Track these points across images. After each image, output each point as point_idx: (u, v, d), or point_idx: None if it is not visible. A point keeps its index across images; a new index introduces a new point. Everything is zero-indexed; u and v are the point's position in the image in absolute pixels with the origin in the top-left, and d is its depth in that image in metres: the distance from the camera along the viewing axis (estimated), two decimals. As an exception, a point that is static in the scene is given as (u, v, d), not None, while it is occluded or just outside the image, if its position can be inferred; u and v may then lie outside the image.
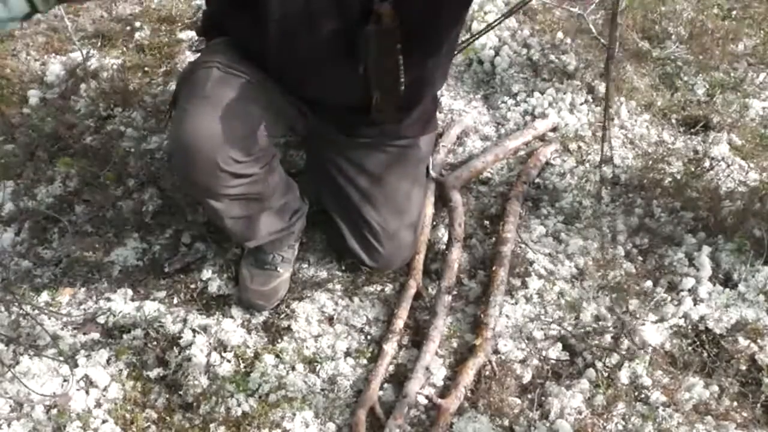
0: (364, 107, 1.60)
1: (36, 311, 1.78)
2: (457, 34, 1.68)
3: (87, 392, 1.66)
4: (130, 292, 1.86)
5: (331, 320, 1.84)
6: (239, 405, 1.65)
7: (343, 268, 1.94)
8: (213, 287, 1.88)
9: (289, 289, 1.87)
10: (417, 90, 1.68)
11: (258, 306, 1.83)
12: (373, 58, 1.48)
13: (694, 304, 1.87)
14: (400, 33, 1.45)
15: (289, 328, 1.80)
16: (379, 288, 1.90)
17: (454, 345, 1.79)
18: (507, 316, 1.83)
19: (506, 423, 1.63)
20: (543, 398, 1.68)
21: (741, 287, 1.91)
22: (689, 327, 1.83)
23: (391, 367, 1.74)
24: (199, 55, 1.68)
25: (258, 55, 1.56)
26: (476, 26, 2.64)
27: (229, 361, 1.73)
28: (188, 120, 1.48)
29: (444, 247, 1.97)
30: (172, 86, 2.33)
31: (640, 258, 1.99)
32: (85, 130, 2.28)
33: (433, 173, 2.10)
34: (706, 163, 2.24)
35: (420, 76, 1.61)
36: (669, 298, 1.88)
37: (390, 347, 1.74)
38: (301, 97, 1.62)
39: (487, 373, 1.72)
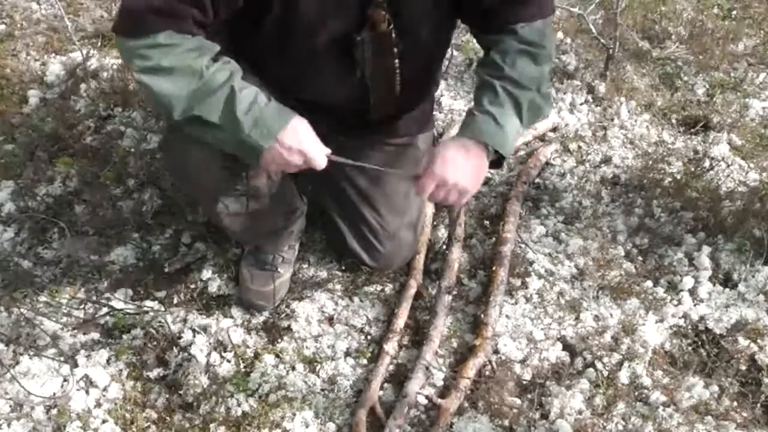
0: (361, 109, 1.61)
1: (36, 311, 1.78)
2: (451, 35, 1.69)
3: (87, 392, 1.66)
4: (130, 292, 1.86)
5: (331, 320, 1.84)
6: (239, 405, 1.65)
7: (343, 268, 1.94)
8: (213, 287, 1.88)
9: (289, 289, 1.88)
10: (416, 91, 1.68)
11: (258, 306, 1.83)
12: (369, 62, 1.49)
13: (694, 304, 1.87)
14: (396, 37, 1.46)
15: (289, 328, 1.80)
16: (379, 288, 1.90)
17: (454, 345, 1.79)
18: (507, 316, 1.83)
19: (506, 423, 1.63)
20: (543, 398, 1.68)
21: (741, 287, 1.91)
22: (689, 327, 1.84)
23: (391, 367, 1.74)
24: None
25: (255, 56, 1.55)
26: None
27: (229, 361, 1.73)
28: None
29: (444, 247, 1.97)
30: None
31: (640, 258, 1.99)
32: (85, 130, 2.28)
33: (433, 173, 2.10)
34: (706, 163, 2.24)
35: (418, 77, 1.61)
36: (669, 298, 1.88)
37: (390, 347, 1.74)
38: (298, 98, 1.63)
39: (487, 373, 1.72)
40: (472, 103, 1.52)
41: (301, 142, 1.38)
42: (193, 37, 1.33)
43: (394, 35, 1.46)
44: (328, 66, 1.53)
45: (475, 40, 1.88)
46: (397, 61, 1.51)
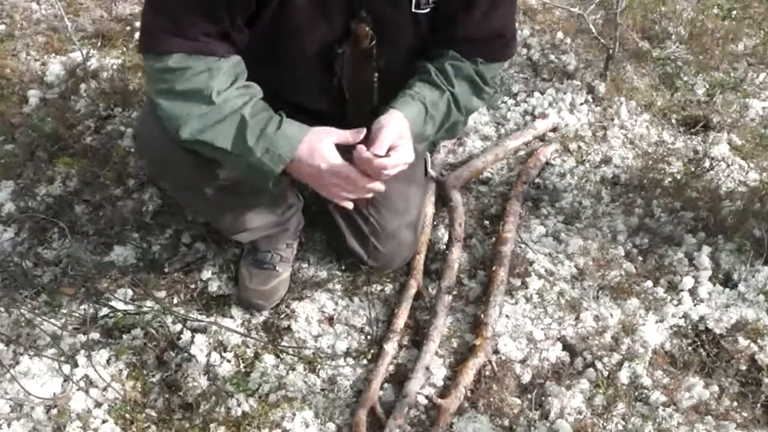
0: (340, 114, 1.59)
1: (36, 312, 1.78)
2: None
3: (87, 392, 1.66)
4: (130, 292, 1.86)
5: (331, 320, 1.84)
6: (239, 405, 1.65)
7: (343, 268, 1.94)
8: (213, 287, 1.88)
9: (289, 289, 1.88)
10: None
11: (257, 305, 1.83)
12: (347, 75, 1.50)
13: (694, 304, 1.87)
14: (377, 52, 1.46)
15: (289, 328, 1.80)
16: (379, 288, 1.90)
17: (454, 345, 1.79)
18: (507, 316, 1.83)
19: (506, 423, 1.63)
20: (543, 398, 1.68)
21: (741, 287, 1.91)
22: (689, 327, 1.84)
23: (391, 367, 1.74)
24: None
25: (245, 61, 1.54)
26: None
27: (229, 361, 1.73)
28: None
29: (444, 247, 1.97)
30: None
31: (640, 258, 1.99)
32: (85, 130, 2.28)
33: (433, 173, 2.10)
34: (706, 163, 2.24)
35: (397, 89, 1.58)
36: (669, 298, 1.88)
37: (390, 347, 1.74)
38: (281, 98, 1.62)
39: (487, 373, 1.72)
40: (417, 79, 1.51)
41: (324, 158, 1.37)
42: (205, 57, 1.33)
43: (374, 51, 1.46)
44: (311, 73, 1.52)
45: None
46: (376, 74, 1.52)
